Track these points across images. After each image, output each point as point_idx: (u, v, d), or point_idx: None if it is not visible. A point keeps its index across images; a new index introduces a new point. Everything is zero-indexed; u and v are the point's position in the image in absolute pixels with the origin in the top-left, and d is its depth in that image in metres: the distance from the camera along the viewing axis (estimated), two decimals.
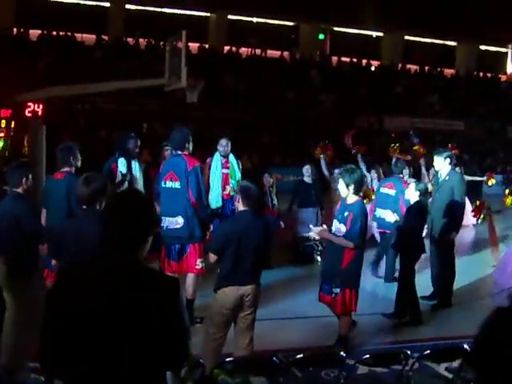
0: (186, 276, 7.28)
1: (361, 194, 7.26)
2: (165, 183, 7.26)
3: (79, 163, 6.77)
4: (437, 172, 9.16)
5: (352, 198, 6.73)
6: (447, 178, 8.82)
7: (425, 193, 8.09)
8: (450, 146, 14.99)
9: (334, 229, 6.82)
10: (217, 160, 9.79)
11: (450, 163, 8.89)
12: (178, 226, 7.11)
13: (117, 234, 2.89)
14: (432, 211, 8.60)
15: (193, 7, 31.22)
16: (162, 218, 7.11)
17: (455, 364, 5.34)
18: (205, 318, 6.28)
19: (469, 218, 15.23)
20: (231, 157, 9.86)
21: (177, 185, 7.15)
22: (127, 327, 2.73)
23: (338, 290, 6.71)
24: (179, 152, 7.35)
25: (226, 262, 5.60)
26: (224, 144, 9.81)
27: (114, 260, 2.86)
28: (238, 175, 9.77)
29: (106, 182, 5.41)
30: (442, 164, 8.89)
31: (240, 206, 5.75)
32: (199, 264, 7.24)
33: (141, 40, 28.71)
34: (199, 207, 7.12)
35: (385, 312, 8.10)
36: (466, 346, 5.21)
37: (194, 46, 28.16)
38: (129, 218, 2.90)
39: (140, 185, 8.49)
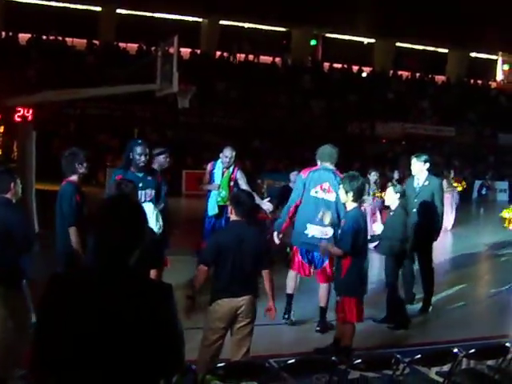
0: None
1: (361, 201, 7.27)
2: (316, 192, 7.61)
3: (85, 169, 6.66)
4: (413, 176, 9.02)
5: (350, 205, 6.73)
6: (427, 182, 8.77)
7: (403, 195, 8.06)
8: None
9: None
10: (218, 168, 9.37)
11: (428, 168, 8.83)
12: (326, 236, 7.45)
13: (108, 241, 2.86)
14: (411, 216, 8.47)
15: (185, 12, 31.23)
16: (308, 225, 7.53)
17: (446, 368, 5.33)
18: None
19: (449, 222, 15.35)
20: (230, 169, 9.37)
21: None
22: (120, 335, 2.70)
23: (338, 299, 6.77)
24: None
25: (219, 274, 5.51)
26: (227, 155, 9.23)
27: (107, 267, 2.84)
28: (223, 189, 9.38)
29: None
30: (420, 168, 8.82)
31: (232, 216, 5.73)
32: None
33: (132, 45, 28.71)
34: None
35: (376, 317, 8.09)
36: (456, 350, 5.22)
37: (185, 51, 28.18)
38: (119, 224, 2.87)
39: (149, 207, 6.99)
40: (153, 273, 5.54)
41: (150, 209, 6.83)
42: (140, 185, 7.10)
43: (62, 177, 6.55)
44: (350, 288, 6.68)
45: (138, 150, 7.22)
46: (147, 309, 2.75)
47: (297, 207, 7.77)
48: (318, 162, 7.75)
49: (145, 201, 7.09)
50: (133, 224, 2.90)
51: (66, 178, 6.51)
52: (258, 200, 8.76)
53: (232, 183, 9.24)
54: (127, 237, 2.86)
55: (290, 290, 7.84)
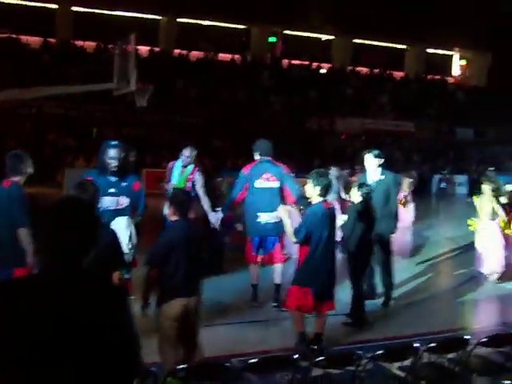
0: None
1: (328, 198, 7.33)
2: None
3: (30, 170, 6.48)
4: (365, 172, 9.03)
5: (315, 200, 6.87)
6: (382, 177, 8.80)
7: (368, 195, 8.07)
8: None
9: None
10: (177, 168, 9.30)
11: (381, 163, 8.86)
12: (277, 220, 7.87)
13: (58, 243, 2.78)
14: None
15: (143, 10, 30.94)
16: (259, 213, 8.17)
17: (407, 362, 5.36)
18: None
19: (406, 217, 15.50)
20: (189, 167, 9.29)
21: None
22: (77, 339, 2.64)
23: (290, 287, 6.94)
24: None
25: (169, 275, 5.51)
26: (187, 154, 9.17)
27: (57, 272, 2.76)
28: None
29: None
30: (374, 163, 8.85)
31: (171, 216, 5.68)
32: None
33: (90, 43, 28.35)
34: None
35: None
36: (416, 345, 5.26)
37: (144, 49, 27.98)
38: (70, 226, 2.79)
39: (122, 221, 6.71)
40: (116, 275, 5.42)
41: (122, 224, 6.60)
42: (111, 190, 6.73)
43: (4, 177, 6.38)
44: (298, 277, 6.85)
45: (111, 152, 6.77)
46: (102, 312, 2.71)
47: (238, 203, 8.59)
48: (258, 156, 8.42)
49: (116, 209, 6.74)
50: (82, 227, 2.82)
51: (8, 179, 6.27)
52: (207, 209, 9.06)
53: (189, 184, 9.13)
54: (76, 239, 2.78)
55: (253, 281, 8.60)
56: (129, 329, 2.79)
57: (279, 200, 8.08)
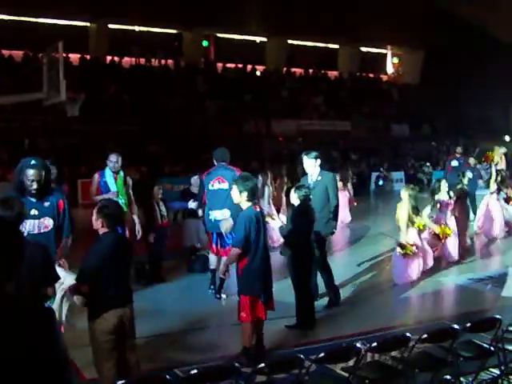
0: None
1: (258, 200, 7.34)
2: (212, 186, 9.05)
3: None
4: (306, 174, 9.12)
5: (245, 205, 6.80)
6: (320, 178, 8.91)
7: (306, 197, 8.05)
8: None
9: None
10: (109, 176, 9.32)
11: (319, 164, 8.96)
12: (226, 217, 8.79)
13: None
14: None
15: (71, 17, 30.30)
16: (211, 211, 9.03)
17: (351, 363, 5.35)
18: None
19: (345, 216, 15.68)
20: (121, 173, 9.44)
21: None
22: (4, 363, 2.59)
23: (238, 298, 6.80)
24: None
25: (98, 288, 5.38)
26: (114, 160, 9.35)
27: None
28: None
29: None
30: (312, 165, 8.95)
31: (100, 228, 5.52)
32: None
33: (17, 52, 27.65)
34: None
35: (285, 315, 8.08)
36: (358, 345, 5.25)
37: (74, 57, 27.46)
38: None
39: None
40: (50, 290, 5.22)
41: None
42: (33, 213, 6.06)
43: None
44: (245, 287, 6.75)
45: (29, 173, 6.05)
46: (29, 333, 2.68)
47: (205, 204, 9.26)
48: (215, 162, 9.31)
49: (39, 233, 6.09)
50: (7, 245, 2.73)
51: None
52: (134, 216, 9.54)
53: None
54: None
55: (212, 266, 9.36)
56: (57, 348, 2.80)
57: (230, 200, 7.98)
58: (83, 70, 26.67)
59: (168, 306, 8.89)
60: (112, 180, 9.27)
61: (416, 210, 10.24)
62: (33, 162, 6.14)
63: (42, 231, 6.12)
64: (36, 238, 5.91)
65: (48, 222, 6.18)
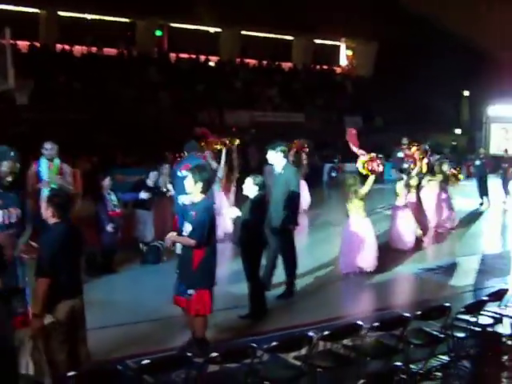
0: None
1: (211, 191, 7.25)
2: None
3: None
4: (271, 165, 9.29)
5: (199, 197, 6.67)
6: (282, 171, 9.02)
7: (262, 187, 8.01)
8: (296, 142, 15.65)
9: (184, 230, 6.73)
10: (44, 164, 9.33)
11: (283, 157, 9.09)
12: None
13: None
14: (270, 204, 8.70)
15: (20, 3, 29.49)
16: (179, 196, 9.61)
17: (303, 351, 5.38)
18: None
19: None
20: (56, 161, 9.43)
21: None
22: None
23: (192, 292, 6.61)
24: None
25: (56, 280, 5.29)
26: (49, 147, 9.37)
27: None
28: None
29: None
30: (275, 157, 9.08)
31: (50, 218, 5.40)
32: None
33: None
34: None
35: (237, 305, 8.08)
36: (311, 334, 5.27)
37: (23, 44, 26.82)
38: None
39: None
40: None
41: None
42: None
43: None
44: (205, 280, 6.62)
45: (7, 165, 6.10)
46: None
47: None
48: (186, 154, 10.50)
49: (10, 223, 6.02)
50: None
51: None
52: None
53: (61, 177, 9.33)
54: None
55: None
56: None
57: None
58: (33, 58, 26.07)
59: (119, 297, 8.78)
60: (45, 169, 9.25)
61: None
62: (11, 153, 6.19)
63: (11, 221, 6.06)
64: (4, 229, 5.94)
65: (16, 212, 6.13)
